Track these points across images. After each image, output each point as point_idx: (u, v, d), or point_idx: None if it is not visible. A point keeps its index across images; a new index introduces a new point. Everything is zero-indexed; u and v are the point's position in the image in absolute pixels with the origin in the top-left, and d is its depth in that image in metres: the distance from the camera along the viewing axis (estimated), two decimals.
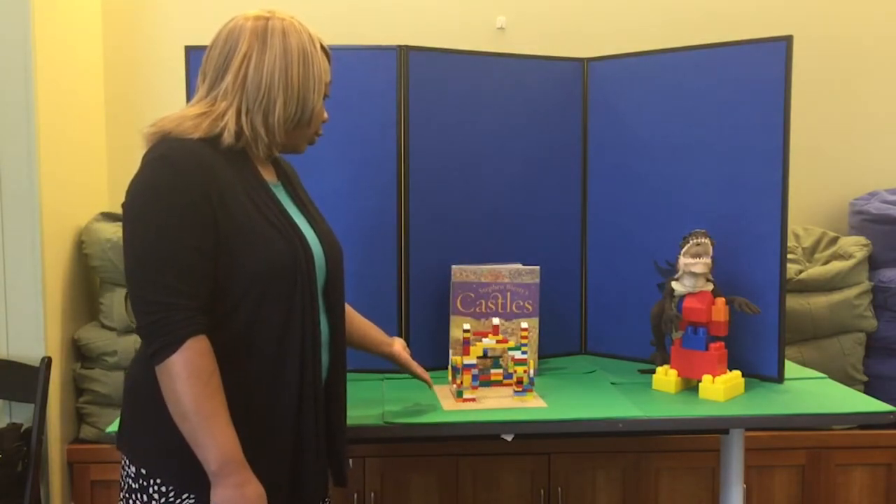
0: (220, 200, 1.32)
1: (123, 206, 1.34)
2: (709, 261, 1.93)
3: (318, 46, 1.45)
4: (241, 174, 1.39)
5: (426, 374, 1.83)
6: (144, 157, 1.35)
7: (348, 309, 1.71)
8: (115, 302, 2.49)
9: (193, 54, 2.06)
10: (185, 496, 1.34)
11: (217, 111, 1.39)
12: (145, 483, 1.36)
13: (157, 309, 1.28)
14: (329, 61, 1.49)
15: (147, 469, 1.36)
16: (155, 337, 1.28)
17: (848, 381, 2.57)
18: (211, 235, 1.31)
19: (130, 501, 1.38)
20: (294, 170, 1.64)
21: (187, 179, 1.30)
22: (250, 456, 1.33)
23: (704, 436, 2.44)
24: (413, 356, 2.15)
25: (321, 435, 1.45)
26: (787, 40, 1.96)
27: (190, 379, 1.27)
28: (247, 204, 1.36)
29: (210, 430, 1.28)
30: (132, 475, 1.38)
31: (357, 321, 1.78)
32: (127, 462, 1.41)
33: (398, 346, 1.83)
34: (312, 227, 1.50)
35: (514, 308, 2.11)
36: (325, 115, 1.51)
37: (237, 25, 1.42)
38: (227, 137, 1.37)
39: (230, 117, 1.38)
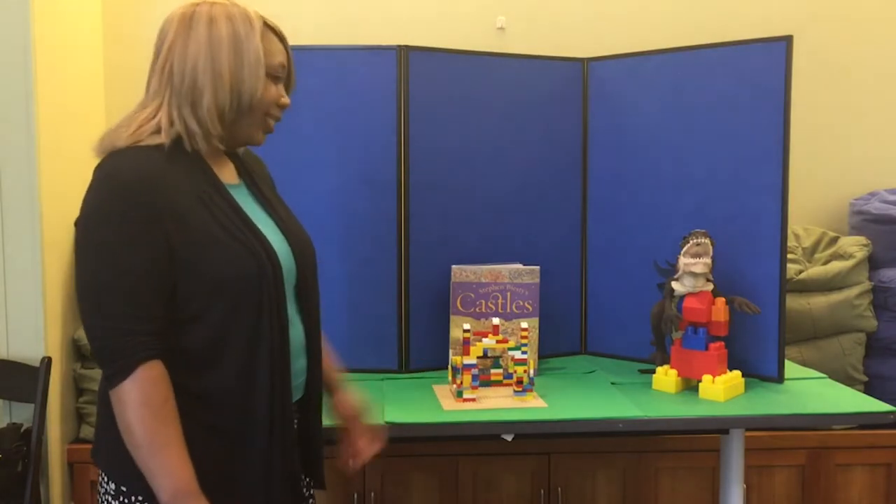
0: (173, 216, 1.25)
1: (75, 225, 1.30)
2: (709, 261, 1.93)
3: (257, 27, 1.33)
4: (194, 179, 1.31)
5: (356, 457, 1.60)
6: (93, 174, 1.29)
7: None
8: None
9: None
10: None
11: (148, 112, 1.32)
12: (126, 501, 1.32)
13: (107, 335, 1.24)
14: (282, 41, 1.39)
15: (127, 487, 1.31)
16: (106, 363, 1.24)
17: (848, 381, 2.56)
18: (163, 255, 1.25)
19: None
20: (262, 163, 1.56)
21: (133, 200, 1.24)
22: (218, 476, 1.29)
23: (704, 436, 2.44)
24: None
25: (293, 446, 1.40)
26: (787, 40, 1.96)
27: (141, 408, 1.23)
28: (202, 214, 1.28)
29: (161, 460, 1.23)
30: (111, 492, 1.34)
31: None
32: (105, 479, 1.36)
33: (349, 405, 1.60)
34: (279, 227, 1.43)
35: (514, 308, 2.11)
36: (284, 98, 1.40)
37: (167, 17, 1.37)
38: (165, 138, 1.30)
39: (162, 115, 1.31)
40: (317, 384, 1.48)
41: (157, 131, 1.31)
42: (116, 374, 1.23)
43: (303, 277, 1.43)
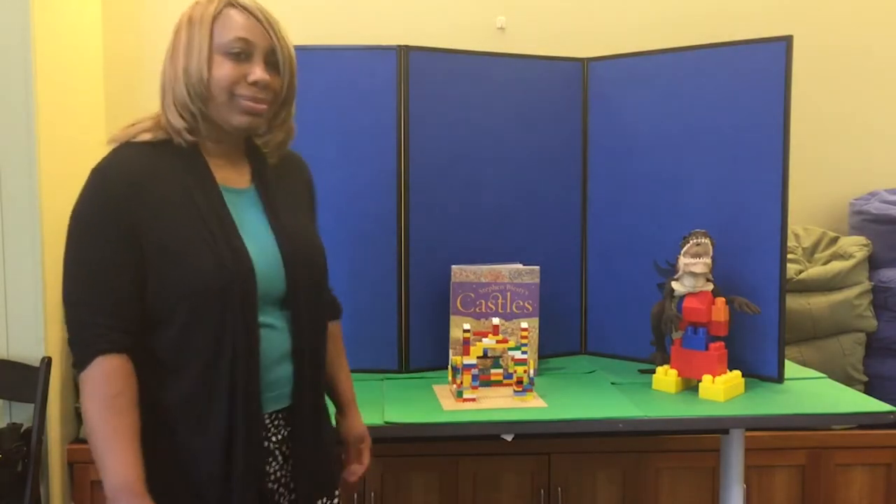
0: (147, 216, 1.28)
1: None
2: (709, 261, 1.93)
3: (210, 11, 1.33)
4: (184, 179, 1.33)
5: (351, 476, 1.61)
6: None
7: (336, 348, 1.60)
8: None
9: None
10: None
11: (157, 112, 1.39)
12: None
13: (74, 325, 1.28)
14: (254, 16, 1.34)
15: None
16: (73, 352, 1.29)
17: (848, 381, 2.56)
18: (132, 254, 1.27)
19: None
20: (301, 169, 1.55)
21: (110, 197, 1.28)
22: (174, 480, 1.29)
23: (704, 436, 2.44)
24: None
25: (262, 457, 1.36)
26: (787, 40, 1.96)
27: (93, 398, 1.26)
28: (181, 216, 1.30)
29: (106, 453, 1.25)
30: None
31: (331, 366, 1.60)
32: None
33: (350, 432, 1.61)
34: (276, 234, 1.40)
35: (514, 308, 2.11)
36: (252, 74, 1.33)
37: None
38: (151, 136, 1.36)
39: (161, 113, 1.38)
40: (310, 393, 1.42)
41: (154, 128, 1.36)
42: (77, 363, 1.28)
43: (293, 285, 1.39)
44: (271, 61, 1.36)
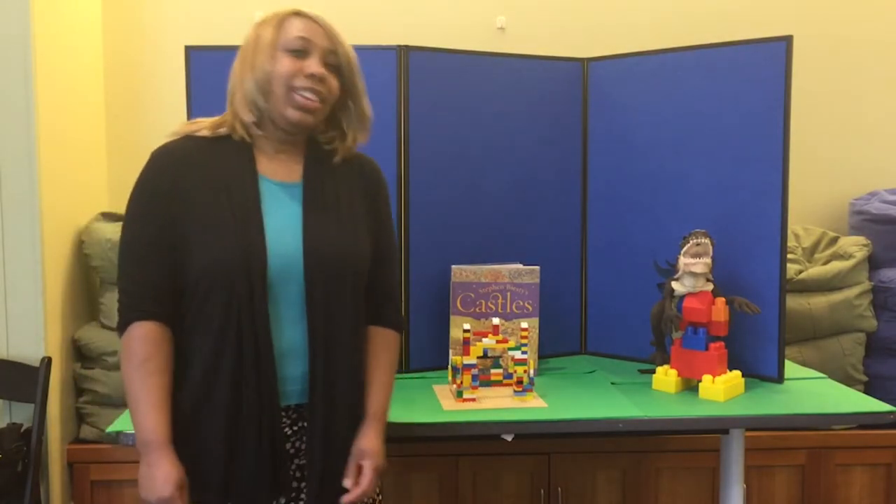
0: (182, 202, 1.40)
1: None
2: (709, 261, 1.93)
3: (276, 19, 1.46)
4: (232, 171, 1.44)
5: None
6: None
7: (376, 361, 1.55)
8: (116, 302, 2.49)
9: (194, 54, 2.06)
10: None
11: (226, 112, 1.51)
12: None
13: (120, 294, 1.42)
14: (311, 20, 1.48)
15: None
16: (118, 318, 1.43)
17: (848, 381, 2.56)
18: (167, 231, 1.40)
19: None
20: (372, 178, 1.58)
21: (154, 177, 1.42)
22: (186, 440, 1.39)
23: (704, 436, 2.44)
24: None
25: (276, 443, 1.41)
26: (787, 40, 1.96)
27: (125, 362, 1.39)
28: (212, 205, 1.40)
29: (135, 412, 1.38)
30: None
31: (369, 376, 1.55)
32: None
33: (361, 445, 1.51)
34: (306, 230, 1.44)
35: (514, 308, 2.11)
36: (309, 67, 1.44)
37: None
38: (210, 131, 1.47)
39: (226, 114, 1.49)
40: (325, 393, 1.43)
41: (213, 126, 1.47)
42: (118, 328, 1.42)
43: (312, 281, 1.42)
44: (330, 62, 1.47)
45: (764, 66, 1.99)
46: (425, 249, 2.15)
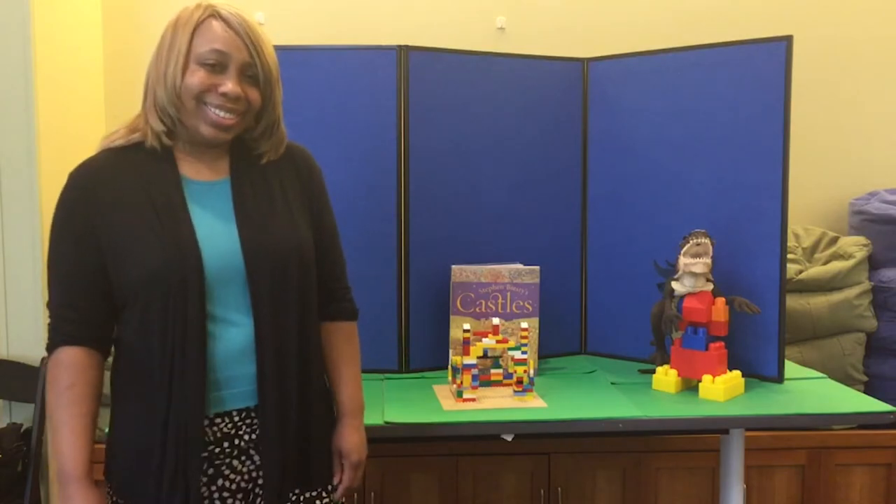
0: (102, 216, 1.33)
1: None
2: (709, 261, 1.93)
3: (193, 20, 1.35)
4: (149, 175, 1.37)
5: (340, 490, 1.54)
6: None
7: (336, 352, 1.54)
8: None
9: None
10: None
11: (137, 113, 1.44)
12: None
13: (49, 315, 1.37)
14: (232, 28, 1.35)
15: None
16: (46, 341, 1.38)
17: (848, 381, 2.57)
18: (90, 253, 1.33)
19: None
20: (289, 164, 1.49)
21: (70, 196, 1.36)
22: (132, 459, 1.35)
23: (704, 436, 2.44)
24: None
25: (193, 457, 1.33)
26: (787, 40, 1.96)
27: (49, 387, 1.35)
28: (134, 212, 1.33)
29: (55, 441, 1.33)
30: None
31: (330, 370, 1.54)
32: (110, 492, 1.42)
33: (340, 444, 1.51)
34: (239, 226, 1.38)
35: (514, 308, 2.11)
36: (223, 86, 1.34)
37: None
38: (123, 139, 1.40)
39: (141, 115, 1.41)
40: (276, 392, 1.38)
41: (127, 133, 1.41)
42: (46, 351, 1.37)
43: (255, 278, 1.36)
44: (249, 74, 1.37)
45: (764, 66, 1.99)
46: (425, 249, 2.15)
